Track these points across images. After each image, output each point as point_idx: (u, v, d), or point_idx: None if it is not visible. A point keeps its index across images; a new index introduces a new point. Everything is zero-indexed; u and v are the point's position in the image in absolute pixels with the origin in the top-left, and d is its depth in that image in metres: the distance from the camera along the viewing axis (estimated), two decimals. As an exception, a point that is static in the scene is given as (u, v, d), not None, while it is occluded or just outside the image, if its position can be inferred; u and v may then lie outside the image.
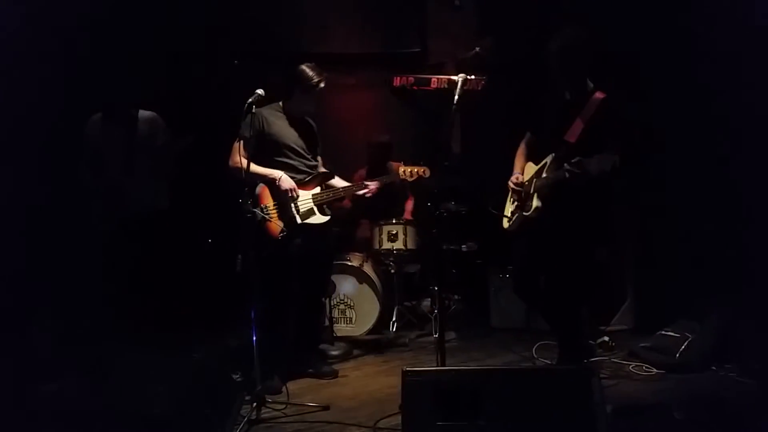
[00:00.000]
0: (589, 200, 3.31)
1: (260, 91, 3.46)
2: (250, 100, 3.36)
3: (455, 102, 3.21)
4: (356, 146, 5.54)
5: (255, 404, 3.18)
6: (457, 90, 3.21)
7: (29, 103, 4.07)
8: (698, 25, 4.09)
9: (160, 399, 2.87)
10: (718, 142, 4.12)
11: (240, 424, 3.05)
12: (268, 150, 3.71)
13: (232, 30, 5.55)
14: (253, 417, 3.15)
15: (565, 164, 3.10)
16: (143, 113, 4.00)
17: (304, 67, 3.72)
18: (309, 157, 3.86)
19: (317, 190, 3.84)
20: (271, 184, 3.69)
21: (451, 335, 4.81)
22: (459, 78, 3.22)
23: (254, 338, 3.22)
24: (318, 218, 3.81)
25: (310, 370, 3.94)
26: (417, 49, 6.13)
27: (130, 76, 4.02)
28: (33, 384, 3.34)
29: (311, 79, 3.69)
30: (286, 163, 3.75)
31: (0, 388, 3.34)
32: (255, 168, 3.60)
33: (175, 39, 5.02)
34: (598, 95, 3.30)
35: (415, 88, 5.75)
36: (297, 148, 3.80)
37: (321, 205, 3.83)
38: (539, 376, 2.63)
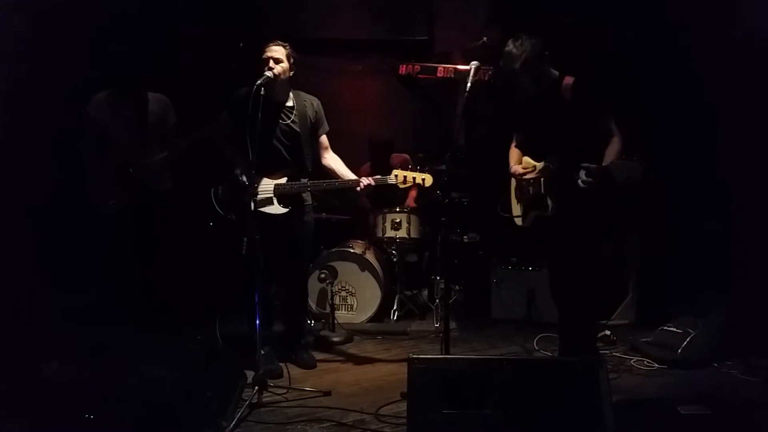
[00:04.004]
0: (596, 195, 3.28)
1: (269, 73, 3.42)
2: (259, 81, 3.31)
3: (467, 90, 3.18)
4: (361, 135, 5.51)
5: (256, 388, 3.17)
6: (470, 78, 3.18)
7: (34, 84, 4.01)
8: (697, 25, 4.08)
9: (160, 382, 2.84)
10: (719, 139, 4.12)
11: (241, 408, 3.05)
12: (242, 133, 3.46)
13: (236, 13, 5.48)
14: (255, 401, 3.15)
15: (582, 173, 2.98)
16: (153, 95, 3.91)
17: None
18: (289, 144, 3.69)
19: (282, 180, 3.67)
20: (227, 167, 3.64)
21: (451, 326, 4.78)
22: (472, 65, 3.20)
23: (257, 322, 3.21)
24: (274, 209, 3.64)
25: (293, 357, 3.86)
26: (424, 37, 6.08)
27: (139, 56, 3.91)
28: (33, 363, 3.31)
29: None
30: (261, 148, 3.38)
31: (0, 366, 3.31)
32: (220, 147, 3.68)
33: (179, 22, 4.94)
34: (568, 80, 3.28)
35: (421, 76, 5.71)
36: (272, 134, 3.64)
37: (282, 196, 3.66)
38: (547, 366, 2.62)
